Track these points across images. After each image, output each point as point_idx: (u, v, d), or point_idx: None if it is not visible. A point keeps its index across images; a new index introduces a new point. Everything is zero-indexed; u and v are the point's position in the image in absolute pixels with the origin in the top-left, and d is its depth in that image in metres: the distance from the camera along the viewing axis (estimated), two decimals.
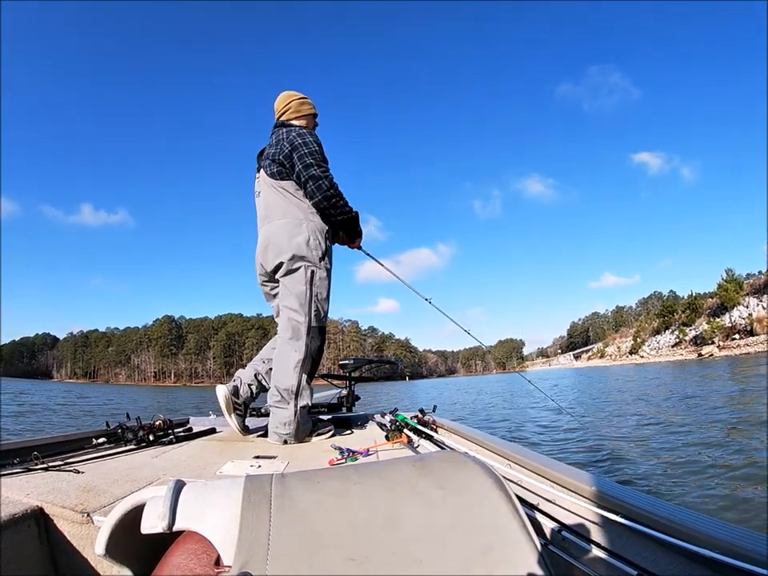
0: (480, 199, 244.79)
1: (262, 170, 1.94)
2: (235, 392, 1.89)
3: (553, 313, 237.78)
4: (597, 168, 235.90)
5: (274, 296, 2.04)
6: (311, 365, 1.86)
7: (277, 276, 1.91)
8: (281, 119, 2.02)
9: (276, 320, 2.04)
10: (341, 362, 2.76)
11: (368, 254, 2.28)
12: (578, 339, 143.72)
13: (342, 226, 1.96)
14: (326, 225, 1.91)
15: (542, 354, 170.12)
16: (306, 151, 1.80)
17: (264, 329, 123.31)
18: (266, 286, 2.03)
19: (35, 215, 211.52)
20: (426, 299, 2.68)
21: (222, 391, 1.85)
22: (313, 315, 1.84)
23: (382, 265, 2.45)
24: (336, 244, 2.11)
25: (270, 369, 1.93)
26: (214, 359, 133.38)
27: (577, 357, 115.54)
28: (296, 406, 1.77)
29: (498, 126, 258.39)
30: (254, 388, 1.95)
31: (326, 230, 1.91)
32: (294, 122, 2.00)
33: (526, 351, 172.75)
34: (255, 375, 1.96)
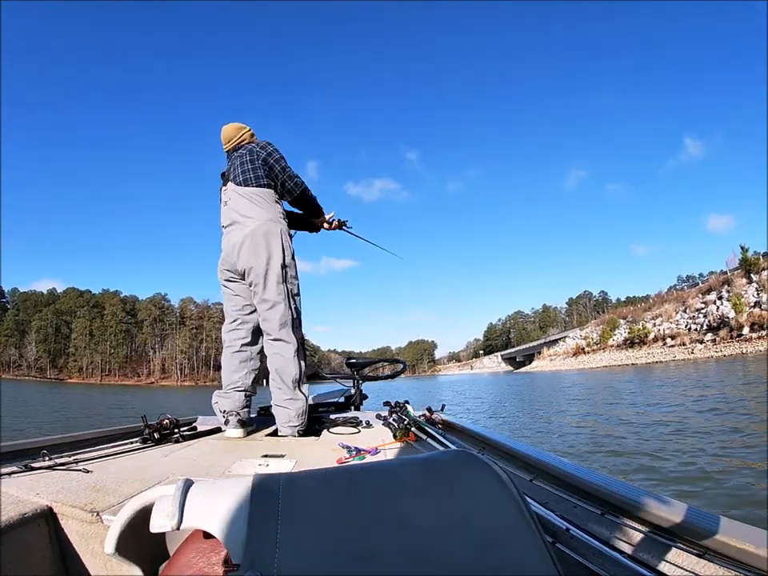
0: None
1: (230, 182, 2.05)
2: (244, 424, 1.93)
3: (463, 315, 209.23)
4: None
5: (236, 294, 2.08)
6: (303, 352, 2.00)
7: (251, 276, 1.97)
8: (240, 144, 2.16)
9: (245, 317, 2.08)
10: (348, 361, 2.75)
11: (350, 232, 2.58)
12: (497, 341, 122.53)
13: (311, 211, 2.28)
14: (289, 228, 2.12)
15: (454, 357, 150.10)
16: (279, 156, 2.08)
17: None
18: (233, 282, 2.07)
19: None
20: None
21: (237, 434, 1.89)
22: (293, 308, 1.98)
23: (363, 238, 2.72)
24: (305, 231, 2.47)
25: (249, 372, 2.01)
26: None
27: (509, 359, 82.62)
28: (303, 394, 1.89)
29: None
30: (247, 401, 2.00)
31: (290, 231, 2.11)
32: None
33: (437, 355, 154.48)
34: (244, 393, 2.00)
